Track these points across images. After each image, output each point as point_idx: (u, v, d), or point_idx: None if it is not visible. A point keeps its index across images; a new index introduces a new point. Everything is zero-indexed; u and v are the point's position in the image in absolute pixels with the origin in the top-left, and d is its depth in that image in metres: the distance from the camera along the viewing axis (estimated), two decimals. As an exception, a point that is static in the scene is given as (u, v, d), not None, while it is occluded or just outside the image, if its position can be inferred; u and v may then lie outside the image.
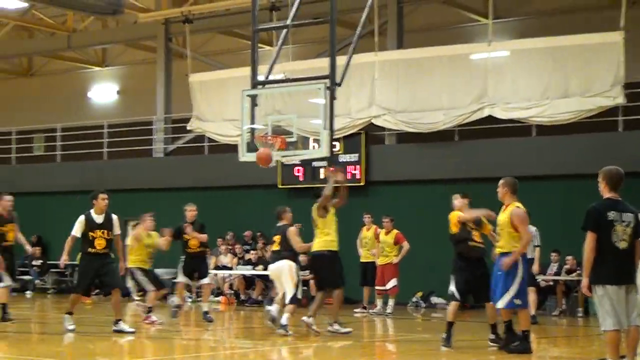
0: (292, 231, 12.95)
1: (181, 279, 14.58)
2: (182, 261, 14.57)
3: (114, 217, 12.41)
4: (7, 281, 13.72)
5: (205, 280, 14.54)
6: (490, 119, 18.63)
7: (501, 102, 18.30)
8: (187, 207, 14.73)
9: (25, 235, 23.59)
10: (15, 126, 26.49)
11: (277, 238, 13.06)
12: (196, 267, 14.40)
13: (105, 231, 12.20)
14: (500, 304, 10.12)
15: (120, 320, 12.49)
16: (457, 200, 11.32)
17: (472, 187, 19.12)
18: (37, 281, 23.25)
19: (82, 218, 12.24)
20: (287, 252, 12.79)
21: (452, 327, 10.82)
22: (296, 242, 12.83)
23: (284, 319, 12.30)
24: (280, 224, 13.25)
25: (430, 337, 12.91)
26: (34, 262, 23.33)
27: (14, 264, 13.92)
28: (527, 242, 10.19)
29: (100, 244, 12.14)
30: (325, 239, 12.49)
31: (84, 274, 12.38)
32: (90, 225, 12.17)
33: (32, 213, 23.41)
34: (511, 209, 10.14)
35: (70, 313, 12.47)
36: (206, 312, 14.34)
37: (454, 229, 11.18)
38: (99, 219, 12.24)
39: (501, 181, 10.40)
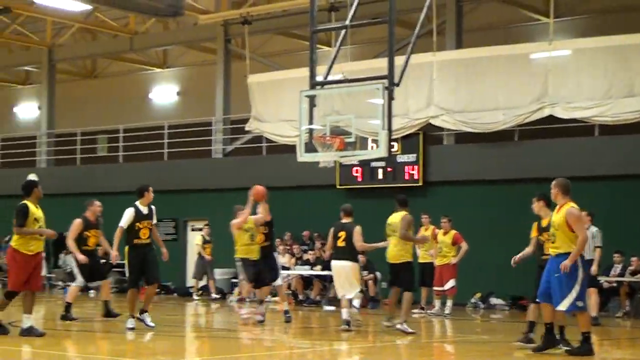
0: (358, 230, 13.14)
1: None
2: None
3: (154, 207, 12.78)
4: (79, 281, 13.93)
5: (278, 282, 14.47)
6: (550, 118, 18.35)
7: (562, 101, 18.01)
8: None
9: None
10: (79, 127, 26.88)
11: (342, 234, 13.15)
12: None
13: (149, 221, 12.60)
14: (562, 306, 9.88)
15: (146, 311, 12.69)
16: (534, 204, 11.16)
17: (532, 187, 18.80)
18: (61, 282, 23.55)
19: (131, 210, 12.56)
20: (353, 250, 13.08)
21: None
22: (359, 241, 13.01)
23: (346, 314, 12.68)
24: (345, 221, 13.35)
25: (489, 338, 12.73)
26: (66, 266, 23.63)
27: (93, 267, 13.97)
28: (584, 242, 9.90)
29: (145, 234, 12.54)
30: (408, 247, 13.00)
31: (133, 266, 12.55)
32: (137, 216, 12.50)
33: (95, 212, 23.77)
34: (566, 209, 9.93)
35: (132, 316, 12.57)
36: (287, 311, 14.23)
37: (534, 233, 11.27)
38: (144, 210, 12.61)
39: (554, 182, 10.24)
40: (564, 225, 9.90)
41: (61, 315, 13.87)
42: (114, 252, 12.72)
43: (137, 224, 12.49)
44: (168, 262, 13.27)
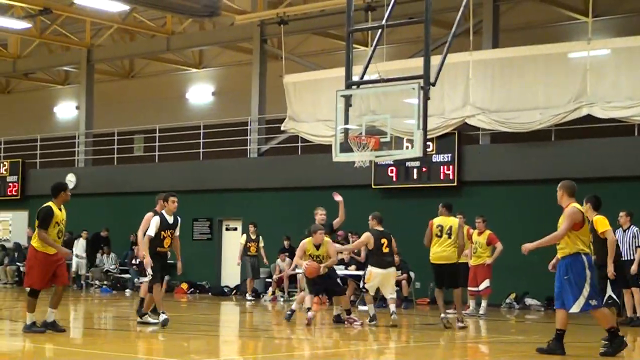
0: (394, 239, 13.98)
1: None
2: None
3: (179, 219, 12.80)
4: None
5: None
6: (588, 118, 18.12)
7: (601, 101, 17.79)
8: (318, 210, 14.51)
9: (125, 235, 24.21)
10: (117, 127, 27.08)
11: (384, 241, 13.64)
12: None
13: (172, 231, 12.66)
14: (575, 308, 9.78)
15: (147, 314, 12.86)
16: (583, 206, 11.12)
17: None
18: (136, 280, 23.67)
19: (157, 219, 12.56)
20: (392, 257, 13.78)
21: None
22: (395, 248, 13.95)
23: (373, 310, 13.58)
24: (381, 228, 13.76)
25: (524, 338, 12.59)
26: (133, 262, 23.74)
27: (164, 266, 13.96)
28: (559, 237, 9.74)
29: (167, 243, 12.64)
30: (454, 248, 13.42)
31: (156, 269, 12.58)
32: (163, 225, 12.56)
33: (131, 212, 23.90)
34: (567, 209, 9.87)
35: (162, 312, 12.60)
36: (338, 315, 14.05)
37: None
38: (170, 219, 12.65)
39: (560, 184, 10.19)
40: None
41: (137, 311, 13.87)
42: (147, 257, 12.52)
43: (162, 232, 12.58)
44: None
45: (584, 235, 9.83)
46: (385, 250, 13.60)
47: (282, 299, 20.35)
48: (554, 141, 19.28)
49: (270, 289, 20.87)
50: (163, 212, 12.66)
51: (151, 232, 12.53)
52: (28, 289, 11.41)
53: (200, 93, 28.73)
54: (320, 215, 14.45)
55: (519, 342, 12.32)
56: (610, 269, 11.53)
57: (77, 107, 29.94)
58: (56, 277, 11.27)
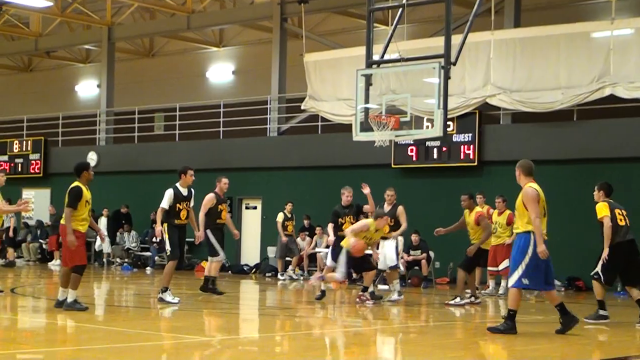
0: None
1: (330, 263, 14.06)
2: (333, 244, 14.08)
3: (193, 190, 13.18)
4: (222, 256, 14.63)
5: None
6: (611, 98, 17.98)
7: (624, 80, 17.64)
8: (345, 191, 14.33)
9: (146, 213, 24.34)
10: (137, 105, 27.15)
11: None
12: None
13: (188, 203, 13.04)
14: (511, 281, 9.98)
15: (167, 289, 13.01)
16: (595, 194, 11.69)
17: (590, 168, 18.59)
18: (156, 257, 23.84)
19: (170, 191, 12.97)
20: None
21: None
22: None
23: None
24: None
25: (543, 318, 12.58)
26: (153, 239, 23.87)
27: (222, 241, 14.74)
28: (537, 221, 9.83)
29: (184, 214, 13.00)
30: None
31: (174, 243, 12.94)
32: (177, 197, 12.89)
33: (151, 190, 24.00)
34: (523, 189, 10.02)
35: (167, 288, 12.85)
36: (373, 292, 14.10)
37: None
38: (184, 192, 13.00)
39: (517, 164, 10.35)
40: (520, 205, 10.01)
41: (208, 288, 14.50)
42: (159, 227, 12.89)
43: (178, 204, 12.92)
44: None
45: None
46: None
47: (301, 278, 20.41)
48: (576, 121, 19.15)
49: (290, 267, 20.93)
50: (177, 185, 13.01)
51: (164, 204, 12.86)
52: (67, 268, 11.44)
53: (220, 72, 28.74)
54: (346, 196, 14.30)
55: (538, 322, 12.31)
56: (604, 254, 11.55)
57: (99, 86, 30.03)
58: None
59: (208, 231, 14.32)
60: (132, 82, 29.61)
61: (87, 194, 11.38)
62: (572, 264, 18.06)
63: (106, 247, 24.77)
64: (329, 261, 14.13)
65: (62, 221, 11.41)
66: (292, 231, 20.84)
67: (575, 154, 18.77)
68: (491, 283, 16.79)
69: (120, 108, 27.95)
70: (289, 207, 20.71)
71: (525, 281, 9.87)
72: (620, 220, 11.62)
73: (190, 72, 29.00)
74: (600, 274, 11.56)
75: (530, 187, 9.98)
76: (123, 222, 25.02)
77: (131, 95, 28.79)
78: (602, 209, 11.66)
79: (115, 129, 27.71)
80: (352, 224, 13.88)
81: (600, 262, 11.57)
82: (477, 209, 14.49)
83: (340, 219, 14.12)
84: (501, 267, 16.54)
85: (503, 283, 16.58)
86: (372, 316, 12.53)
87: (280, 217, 20.67)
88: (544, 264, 9.92)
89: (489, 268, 16.68)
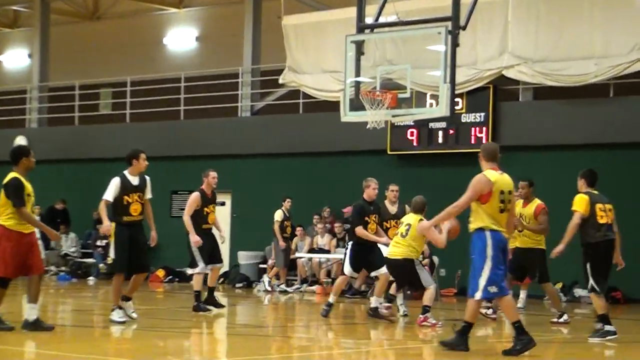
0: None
1: (347, 271, 14.09)
2: (350, 249, 14.06)
3: (148, 178, 12.77)
4: (201, 267, 14.57)
5: (382, 270, 13.80)
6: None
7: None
8: (371, 183, 13.93)
9: (87, 211, 24.24)
10: (78, 79, 27.04)
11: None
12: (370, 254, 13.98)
13: (141, 194, 12.60)
14: (479, 294, 9.97)
15: (130, 299, 12.85)
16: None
17: (629, 153, 18.67)
18: (101, 265, 23.74)
19: (116, 180, 12.54)
20: None
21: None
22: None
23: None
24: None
25: (572, 337, 12.62)
26: (97, 243, 23.78)
27: (214, 248, 14.79)
28: (459, 207, 10.00)
29: (136, 209, 12.54)
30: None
31: (121, 247, 12.54)
32: (126, 187, 12.50)
33: (96, 183, 23.89)
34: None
35: (119, 307, 12.66)
36: (375, 309, 13.87)
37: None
38: (134, 180, 12.61)
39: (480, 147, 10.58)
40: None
41: (207, 302, 14.69)
42: (105, 223, 12.57)
43: (126, 197, 12.48)
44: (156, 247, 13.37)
45: (491, 208, 9.95)
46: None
47: (278, 289, 20.40)
48: (612, 97, 19.25)
49: (266, 276, 20.92)
50: (126, 172, 12.65)
51: (108, 196, 12.46)
52: None
53: (181, 38, 28.69)
54: (373, 188, 13.89)
55: (565, 340, 12.34)
56: (557, 249, 12.02)
57: (30, 55, 29.91)
58: (31, 264, 11.22)
59: (191, 237, 14.38)
60: (72, 51, 29.51)
61: (27, 185, 11.22)
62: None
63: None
64: (347, 270, 14.03)
65: (1, 220, 11.20)
66: (291, 233, 20.68)
67: (611, 138, 18.83)
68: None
69: (56, 82, 27.86)
70: (287, 203, 20.56)
71: (493, 289, 9.91)
72: (601, 217, 11.92)
73: (144, 39, 28.93)
74: (594, 284, 11.74)
75: (480, 175, 10.10)
76: (59, 221, 24.83)
77: (70, 67, 28.70)
78: (579, 202, 11.91)
79: (50, 108, 27.62)
80: (375, 222, 13.78)
81: (589, 272, 11.82)
82: (537, 200, 14.42)
83: (366, 217, 13.86)
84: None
85: (522, 295, 16.63)
86: (365, 336, 12.52)
87: (278, 215, 20.44)
88: (502, 262, 9.98)
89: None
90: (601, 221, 11.77)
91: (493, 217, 9.93)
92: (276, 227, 20.35)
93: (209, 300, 14.81)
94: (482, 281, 9.88)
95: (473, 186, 10.01)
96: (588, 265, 11.81)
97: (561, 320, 13.90)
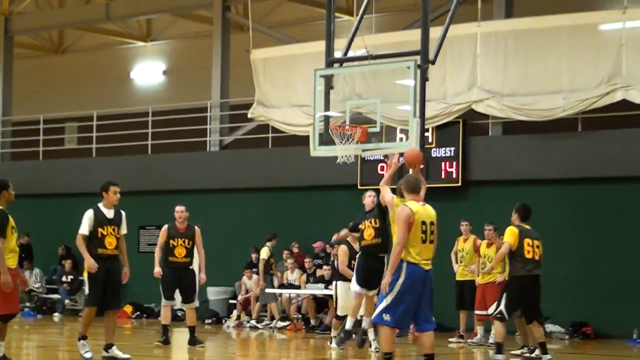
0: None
1: (357, 289, 13.88)
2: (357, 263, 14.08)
3: (123, 213, 12.75)
4: (163, 302, 15.16)
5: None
6: (623, 104, 18.26)
7: (639, 82, 17.89)
8: (366, 194, 14.18)
9: (52, 246, 24.10)
10: (43, 113, 26.97)
11: None
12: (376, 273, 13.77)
13: (116, 228, 12.56)
14: (373, 316, 10.32)
15: (113, 345, 12.72)
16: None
17: (599, 188, 18.85)
18: (67, 301, 23.63)
19: (90, 212, 12.54)
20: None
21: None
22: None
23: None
24: None
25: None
26: (63, 279, 23.71)
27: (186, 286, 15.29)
28: (399, 246, 9.97)
29: (111, 243, 12.50)
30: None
31: (96, 282, 12.47)
32: (99, 220, 12.48)
33: (61, 218, 23.85)
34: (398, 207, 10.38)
35: (84, 337, 12.61)
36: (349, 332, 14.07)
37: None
38: (109, 213, 12.59)
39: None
40: (394, 225, 10.52)
41: (163, 339, 15.03)
42: (89, 261, 12.56)
43: (100, 229, 12.44)
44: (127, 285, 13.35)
45: (414, 238, 10.00)
46: None
47: (248, 325, 20.39)
48: (581, 132, 19.39)
49: (235, 312, 20.91)
50: (99, 205, 12.63)
51: (83, 230, 12.44)
52: None
53: (148, 72, 28.73)
54: (369, 196, 14.00)
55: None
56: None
57: (-5, 89, 29.83)
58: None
59: (158, 270, 14.81)
60: (37, 85, 29.47)
61: (10, 219, 11.10)
62: (577, 306, 18.27)
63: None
64: (355, 287, 13.91)
65: None
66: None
67: (581, 172, 18.97)
68: (480, 330, 16.90)
69: (20, 117, 27.75)
70: (274, 241, 20.59)
71: (387, 317, 10.02)
72: (528, 252, 12.50)
73: (110, 73, 28.95)
74: (504, 311, 12.51)
75: (404, 206, 10.15)
76: (23, 256, 24.69)
77: (35, 101, 28.64)
78: (509, 234, 12.59)
79: (14, 142, 27.50)
80: (374, 226, 13.68)
81: (503, 300, 12.58)
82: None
83: (360, 226, 13.98)
84: (491, 310, 16.68)
85: (494, 330, 16.71)
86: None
87: (265, 253, 20.38)
88: (411, 300, 10.00)
89: (476, 312, 16.84)
90: (528, 256, 12.40)
91: (415, 248, 10.00)
92: (261, 265, 20.39)
93: (189, 339, 15.04)
94: (381, 306, 10.06)
95: (398, 218, 10.10)
96: (505, 295, 12.56)
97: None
